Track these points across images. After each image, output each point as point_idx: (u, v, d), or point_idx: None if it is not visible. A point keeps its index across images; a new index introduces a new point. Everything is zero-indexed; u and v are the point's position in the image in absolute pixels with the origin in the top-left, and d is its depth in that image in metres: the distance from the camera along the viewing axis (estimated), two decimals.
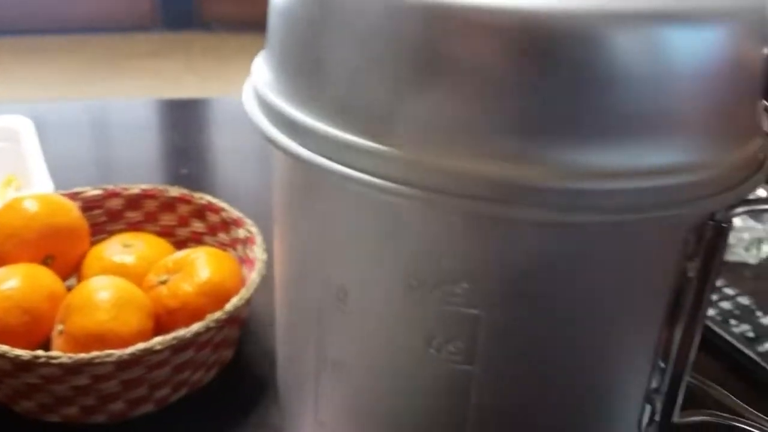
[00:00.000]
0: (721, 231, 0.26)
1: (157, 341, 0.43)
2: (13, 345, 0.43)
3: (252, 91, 0.29)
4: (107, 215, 0.59)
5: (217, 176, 0.84)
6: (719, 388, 0.33)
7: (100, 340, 0.45)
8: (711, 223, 0.26)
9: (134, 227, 0.59)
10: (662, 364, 0.29)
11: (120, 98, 2.48)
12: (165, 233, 0.59)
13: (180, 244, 0.59)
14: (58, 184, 0.63)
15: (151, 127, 0.98)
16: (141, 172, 0.83)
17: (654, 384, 0.29)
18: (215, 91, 2.52)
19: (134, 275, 0.51)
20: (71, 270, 0.54)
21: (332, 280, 0.27)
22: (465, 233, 0.25)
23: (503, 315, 0.26)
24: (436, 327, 0.26)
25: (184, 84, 2.70)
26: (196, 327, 0.44)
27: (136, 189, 0.59)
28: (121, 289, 0.48)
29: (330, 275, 0.27)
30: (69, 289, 0.51)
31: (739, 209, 0.26)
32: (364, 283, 0.27)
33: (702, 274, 0.26)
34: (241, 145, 0.90)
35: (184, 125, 0.97)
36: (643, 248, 0.26)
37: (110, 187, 0.59)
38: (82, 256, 0.54)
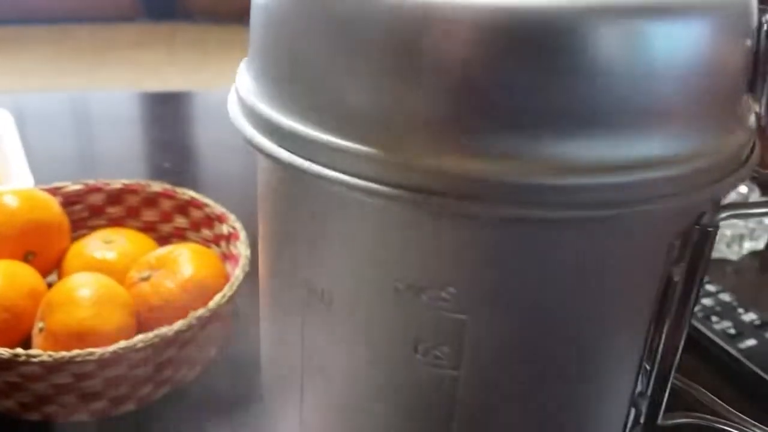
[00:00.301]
0: (706, 236, 0.26)
1: (140, 339, 0.43)
2: None
3: (235, 95, 0.29)
4: (88, 210, 0.59)
5: (200, 171, 0.84)
6: (702, 389, 0.33)
7: (81, 337, 0.44)
8: (697, 227, 0.26)
9: (116, 223, 0.59)
10: (648, 367, 0.29)
11: (102, 89, 2.46)
12: (147, 229, 0.59)
13: (162, 240, 0.58)
14: (39, 178, 0.62)
15: (133, 121, 0.97)
16: (123, 166, 0.82)
17: (639, 387, 0.29)
18: (198, 83, 2.51)
19: (116, 271, 0.51)
20: (52, 266, 0.54)
21: (316, 283, 0.27)
22: (452, 236, 0.25)
23: (490, 319, 0.25)
24: (423, 332, 0.26)
25: (166, 75, 2.68)
26: (178, 325, 0.44)
27: (117, 184, 0.59)
28: (102, 285, 0.47)
29: (314, 278, 0.27)
30: (50, 285, 0.50)
31: (725, 214, 0.26)
32: (350, 287, 0.27)
33: (688, 278, 0.26)
34: (225, 139, 0.89)
35: (166, 119, 0.97)
36: (630, 253, 0.26)
37: (91, 182, 0.58)
38: (63, 252, 0.54)
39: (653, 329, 0.28)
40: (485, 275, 0.25)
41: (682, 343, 0.28)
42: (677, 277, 0.26)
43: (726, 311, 0.56)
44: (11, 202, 0.52)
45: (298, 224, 0.27)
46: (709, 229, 0.26)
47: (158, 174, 0.79)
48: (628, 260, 0.26)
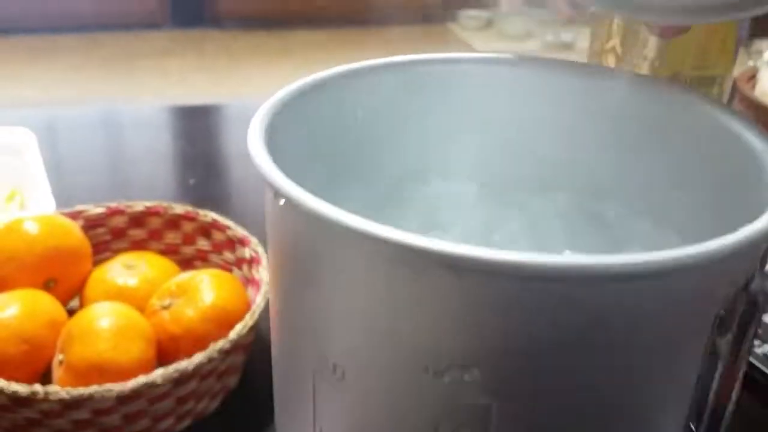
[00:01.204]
0: (755, 304, 0.23)
1: (159, 374, 0.42)
2: (13, 375, 0.42)
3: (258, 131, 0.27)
4: (111, 233, 0.58)
5: (224, 188, 0.83)
6: None
7: (101, 370, 0.43)
8: (743, 293, 0.23)
9: (138, 245, 0.58)
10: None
11: (130, 96, 2.47)
12: (170, 251, 0.58)
13: (185, 263, 0.57)
14: (63, 195, 0.62)
15: (159, 135, 0.96)
16: (148, 182, 0.81)
17: None
18: (227, 90, 2.51)
19: (138, 298, 0.50)
20: (73, 293, 0.53)
21: (328, 356, 0.25)
22: (477, 309, 0.22)
23: (518, 404, 0.23)
24: (443, 415, 0.24)
25: (194, 83, 2.69)
26: (198, 358, 0.43)
27: (140, 206, 0.58)
28: (122, 316, 0.46)
29: (325, 350, 0.25)
30: (71, 311, 0.50)
31: None
32: (363, 365, 0.24)
33: (733, 350, 0.24)
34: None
35: (192, 133, 0.96)
36: (676, 326, 0.23)
37: (114, 204, 0.58)
38: (85, 278, 0.53)
39: (697, 402, 0.25)
40: (515, 355, 0.23)
41: (729, 410, 0.26)
42: (724, 347, 0.24)
43: (766, 334, 0.53)
44: (31, 228, 0.51)
45: (309, 283, 0.26)
46: (759, 297, 0.23)
47: (183, 191, 0.78)
48: (674, 337, 0.24)
